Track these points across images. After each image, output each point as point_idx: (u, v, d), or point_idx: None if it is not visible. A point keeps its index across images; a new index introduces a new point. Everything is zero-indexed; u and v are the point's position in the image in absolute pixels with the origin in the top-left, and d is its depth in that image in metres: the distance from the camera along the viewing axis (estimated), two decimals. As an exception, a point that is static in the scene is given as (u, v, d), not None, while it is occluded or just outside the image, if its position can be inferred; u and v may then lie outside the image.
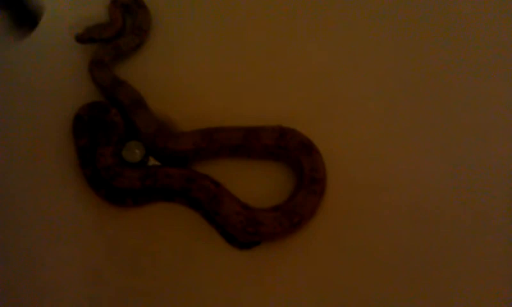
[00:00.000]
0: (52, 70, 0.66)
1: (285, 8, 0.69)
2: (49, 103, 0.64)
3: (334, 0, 0.70)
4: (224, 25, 0.69)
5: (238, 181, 0.59)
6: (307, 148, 0.59)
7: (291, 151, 0.59)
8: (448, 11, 0.68)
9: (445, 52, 0.66)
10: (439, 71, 0.65)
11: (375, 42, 0.67)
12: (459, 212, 0.57)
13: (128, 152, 0.59)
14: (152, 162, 0.60)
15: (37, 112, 0.63)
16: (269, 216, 0.55)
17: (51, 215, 0.58)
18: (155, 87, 0.64)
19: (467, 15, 0.68)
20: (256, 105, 0.64)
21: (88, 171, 0.58)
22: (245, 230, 0.55)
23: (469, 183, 0.58)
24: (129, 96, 0.62)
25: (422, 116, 0.62)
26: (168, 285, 0.56)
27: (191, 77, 0.66)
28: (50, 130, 0.62)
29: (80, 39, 0.65)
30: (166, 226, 0.58)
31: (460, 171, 0.59)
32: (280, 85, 0.65)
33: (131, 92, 0.62)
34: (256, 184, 0.60)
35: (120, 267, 0.56)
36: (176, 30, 0.69)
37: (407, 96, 0.63)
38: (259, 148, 0.60)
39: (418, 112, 0.63)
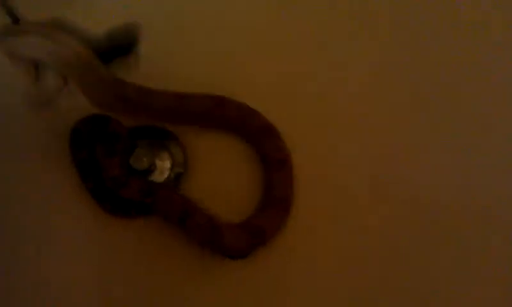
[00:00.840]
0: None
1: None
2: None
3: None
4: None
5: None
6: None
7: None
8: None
9: (448, 49, 0.64)
10: (444, 71, 0.63)
11: (372, 37, 0.64)
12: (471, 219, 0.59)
13: (136, 159, 0.58)
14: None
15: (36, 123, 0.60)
16: (265, 215, 0.56)
17: (51, 228, 0.58)
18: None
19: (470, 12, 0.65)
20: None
21: (89, 185, 0.57)
22: (252, 245, 0.55)
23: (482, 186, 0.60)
24: None
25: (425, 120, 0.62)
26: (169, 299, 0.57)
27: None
28: (49, 141, 0.59)
29: None
30: (168, 237, 0.57)
31: (476, 181, 0.60)
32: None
33: None
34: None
35: (120, 278, 0.57)
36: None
37: (410, 99, 0.62)
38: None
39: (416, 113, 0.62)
